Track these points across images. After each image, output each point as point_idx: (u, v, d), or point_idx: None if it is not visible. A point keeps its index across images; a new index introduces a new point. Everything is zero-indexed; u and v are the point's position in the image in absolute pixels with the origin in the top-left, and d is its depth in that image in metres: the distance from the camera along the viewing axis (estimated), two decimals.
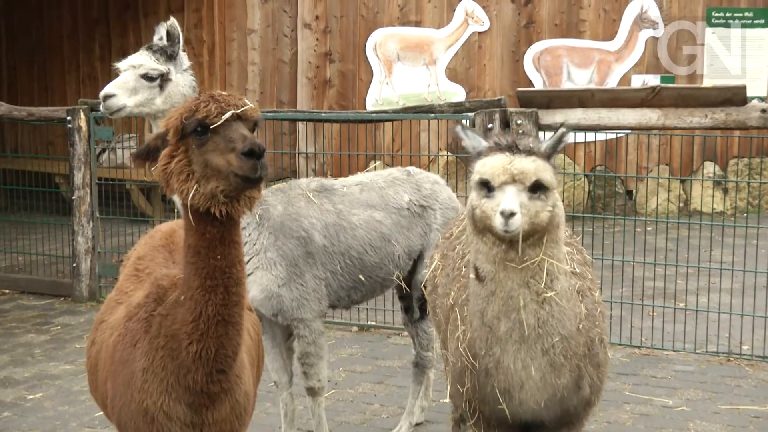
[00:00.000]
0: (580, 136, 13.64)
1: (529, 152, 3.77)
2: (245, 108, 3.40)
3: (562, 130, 3.91)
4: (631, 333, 8.59)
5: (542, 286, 3.79)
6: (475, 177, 3.81)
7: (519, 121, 7.71)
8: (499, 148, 3.81)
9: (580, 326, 4.01)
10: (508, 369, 3.93)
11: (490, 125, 7.78)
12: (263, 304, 5.77)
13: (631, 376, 7.68)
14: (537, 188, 3.72)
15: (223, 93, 3.44)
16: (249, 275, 5.69)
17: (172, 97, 5.72)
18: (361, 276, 6.02)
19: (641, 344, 8.44)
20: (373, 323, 9.34)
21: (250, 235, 5.77)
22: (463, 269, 4.47)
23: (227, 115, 3.34)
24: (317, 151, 14.28)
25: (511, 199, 3.66)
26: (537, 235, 3.74)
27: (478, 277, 3.89)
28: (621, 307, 8.81)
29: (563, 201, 12.37)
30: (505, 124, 7.84)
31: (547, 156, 3.83)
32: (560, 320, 3.87)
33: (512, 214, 3.62)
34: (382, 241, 6.05)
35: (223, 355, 3.51)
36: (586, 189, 14.85)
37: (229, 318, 3.47)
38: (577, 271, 4.27)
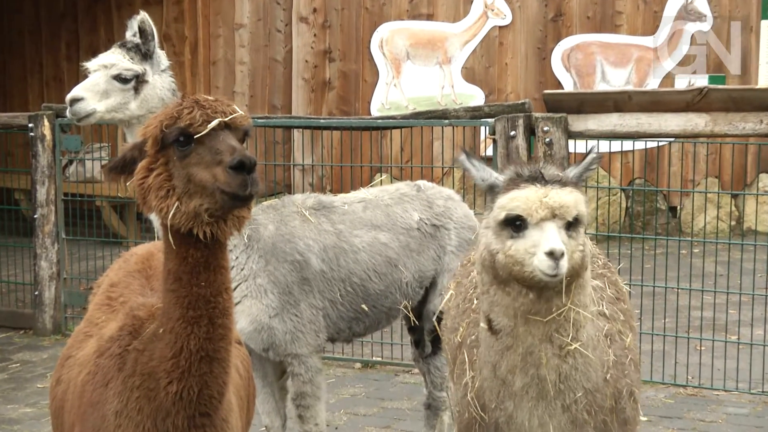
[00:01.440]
0: (616, 145, 13.66)
1: (561, 182, 3.71)
2: (234, 115, 3.42)
3: (593, 155, 3.87)
4: (675, 370, 8.58)
5: (568, 339, 3.75)
6: (498, 215, 3.72)
7: (546, 128, 7.75)
8: (523, 179, 3.74)
9: (608, 376, 3.98)
10: (522, 426, 3.90)
11: (512, 132, 7.82)
12: (253, 338, 5.80)
13: (676, 419, 7.67)
14: (570, 224, 3.68)
15: (209, 98, 3.46)
16: (237, 304, 5.71)
17: (149, 102, 5.77)
18: (364, 305, 6.04)
19: (687, 383, 8.43)
20: (379, 359, 9.34)
21: (237, 258, 5.80)
22: (475, 301, 4.42)
23: (214, 123, 3.36)
24: (315, 163, 14.34)
25: (556, 236, 3.59)
26: (569, 279, 3.67)
27: (492, 330, 3.85)
28: (664, 341, 8.81)
29: (597, 218, 12.38)
30: (530, 132, 7.88)
31: (576, 185, 3.77)
32: (585, 372, 3.84)
33: (562, 255, 3.55)
34: (389, 266, 6.07)
35: (207, 396, 3.52)
36: (624, 205, 14.87)
37: (214, 353, 3.48)
38: (606, 312, 4.23)
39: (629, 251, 9.85)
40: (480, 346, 4.04)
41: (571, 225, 3.67)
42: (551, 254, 3.54)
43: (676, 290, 9.26)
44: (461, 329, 4.45)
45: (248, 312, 5.78)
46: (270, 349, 5.85)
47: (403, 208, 6.25)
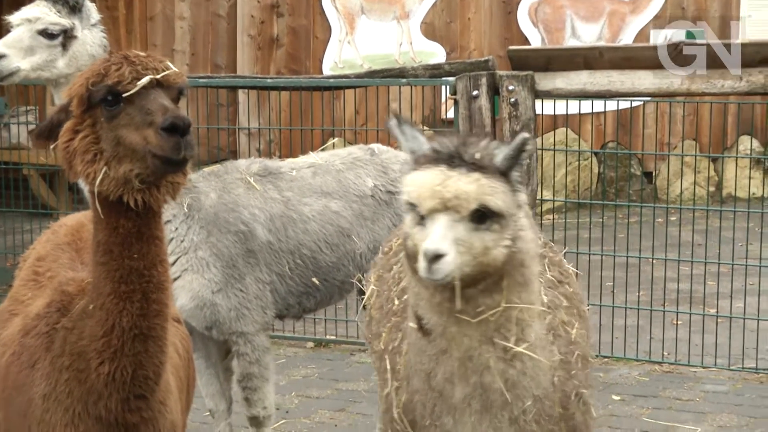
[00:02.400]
0: (586, 106, 13.71)
1: (476, 167, 3.46)
2: (167, 72, 3.40)
3: (522, 136, 3.57)
4: (650, 346, 8.67)
5: (513, 341, 3.56)
6: (403, 195, 3.53)
7: (511, 87, 7.75)
8: (436, 158, 3.51)
9: (555, 379, 3.79)
10: None
11: (475, 92, 7.82)
12: (194, 315, 5.79)
13: (651, 398, 7.76)
14: (485, 217, 3.43)
15: (140, 54, 3.44)
16: (176, 279, 5.71)
17: (78, 59, 5.73)
18: (314, 279, 6.04)
19: (663, 359, 8.52)
20: (333, 337, 9.36)
21: (177, 229, 5.78)
22: (396, 301, 4.25)
23: (144, 80, 3.34)
24: (262, 127, 14.27)
25: (438, 234, 3.37)
26: (490, 279, 3.46)
27: (423, 331, 3.65)
28: (638, 315, 8.90)
29: (566, 185, 12.45)
30: (494, 91, 7.88)
31: (504, 171, 3.50)
32: (534, 377, 3.66)
33: (437, 257, 3.32)
34: (341, 236, 6.07)
35: (142, 377, 3.52)
36: (595, 170, 14.95)
37: (148, 331, 3.47)
38: (545, 298, 3.98)
39: (601, 220, 9.93)
40: (405, 351, 3.87)
41: (486, 217, 3.42)
42: (425, 255, 3.33)
43: (651, 261, 9.33)
44: (384, 335, 4.25)
45: (189, 287, 5.77)
46: (213, 327, 5.85)
47: (356, 173, 6.25)
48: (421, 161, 3.55)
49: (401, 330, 4.04)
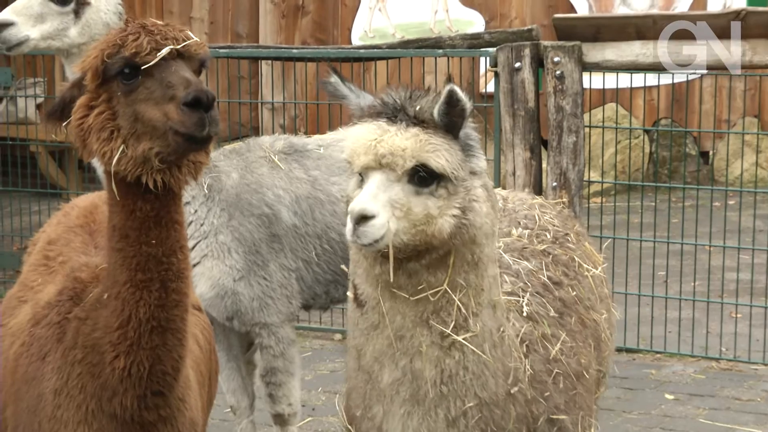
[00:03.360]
0: (638, 79, 13.64)
1: (417, 121, 3.37)
2: (188, 42, 3.41)
3: (449, 87, 3.41)
4: (706, 341, 8.63)
5: (448, 330, 3.42)
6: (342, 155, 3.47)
7: (556, 59, 7.72)
8: (378, 111, 3.42)
9: (514, 389, 3.62)
10: None
11: (517, 64, 7.80)
12: (214, 304, 5.81)
13: (708, 398, 7.73)
14: (428, 180, 3.33)
15: (158, 22, 3.44)
16: (195, 266, 5.73)
17: (92, 27, 5.74)
18: (343, 266, 6.03)
19: (721, 355, 8.48)
20: None
21: (196, 212, 5.80)
22: None
23: (164, 51, 3.35)
24: (286, 101, 14.29)
25: (369, 193, 3.28)
26: (435, 253, 3.35)
27: (357, 301, 3.56)
28: (693, 307, 8.85)
29: (616, 165, 12.42)
30: (538, 63, 7.85)
31: (448, 129, 3.40)
32: (478, 375, 3.50)
33: (364, 218, 3.23)
34: None
35: (160, 373, 3.53)
36: (647, 150, 14.88)
37: (167, 323, 3.49)
38: (526, 309, 3.85)
39: (653, 203, 9.88)
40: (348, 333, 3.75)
41: (432, 179, 3.33)
42: (350, 214, 3.24)
43: (708, 248, 9.29)
44: None
45: (209, 275, 5.79)
46: (235, 317, 5.86)
47: None
48: (361, 115, 3.48)
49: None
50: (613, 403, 7.53)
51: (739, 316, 9.05)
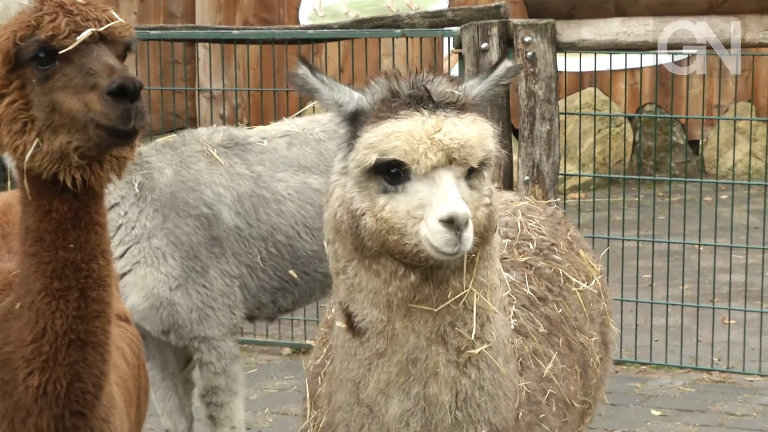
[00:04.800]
0: (619, 61, 13.69)
1: (458, 105, 3.29)
2: (111, 24, 3.39)
3: (507, 64, 3.43)
4: (696, 350, 8.67)
5: (470, 336, 3.38)
6: (365, 158, 3.28)
7: (527, 39, 7.75)
8: (401, 101, 3.31)
9: (520, 414, 3.60)
10: None
11: (484, 45, 7.81)
12: (148, 317, 5.79)
13: (698, 413, 7.77)
14: (472, 170, 3.29)
15: (79, 1, 3.41)
16: (126, 274, 5.72)
17: (11, 10, 5.71)
18: (292, 271, 6.05)
19: (712, 366, 8.53)
20: (314, 343, 9.35)
21: (126, 214, 5.78)
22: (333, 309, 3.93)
23: (85, 34, 3.33)
24: (227, 88, 14.27)
25: (456, 194, 3.18)
26: (472, 250, 3.30)
27: (353, 330, 3.47)
28: (682, 313, 8.89)
29: (595, 156, 12.45)
30: (507, 43, 7.87)
31: (481, 109, 3.38)
32: (492, 396, 3.47)
33: (467, 223, 3.15)
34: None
35: (79, 391, 3.52)
36: (629, 139, 14.95)
37: (87, 336, 3.47)
38: (514, 323, 3.81)
39: (637, 199, 9.93)
40: (333, 363, 3.67)
41: (474, 170, 3.29)
42: (450, 222, 3.14)
43: (698, 248, 9.34)
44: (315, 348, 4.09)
45: (142, 284, 5.78)
46: (171, 331, 5.85)
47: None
48: (383, 109, 3.33)
49: (327, 344, 3.88)
50: (595, 420, 7.55)
51: (732, 322, 9.10)
